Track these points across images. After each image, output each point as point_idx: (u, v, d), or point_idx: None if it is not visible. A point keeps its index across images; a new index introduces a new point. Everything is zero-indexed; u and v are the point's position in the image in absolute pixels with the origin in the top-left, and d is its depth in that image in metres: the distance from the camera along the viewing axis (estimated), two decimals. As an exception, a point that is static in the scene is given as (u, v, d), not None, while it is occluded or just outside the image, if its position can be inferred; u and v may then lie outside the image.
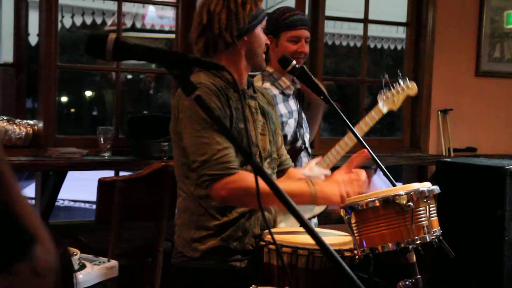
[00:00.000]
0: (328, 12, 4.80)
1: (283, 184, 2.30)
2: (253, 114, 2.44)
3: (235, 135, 2.27)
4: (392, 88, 3.27)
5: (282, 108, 3.13)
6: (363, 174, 2.28)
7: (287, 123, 3.13)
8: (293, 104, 3.19)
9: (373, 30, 9.76)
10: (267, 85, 3.15)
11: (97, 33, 1.31)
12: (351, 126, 2.49)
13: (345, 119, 2.50)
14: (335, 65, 11.13)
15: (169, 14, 8.29)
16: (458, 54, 5.20)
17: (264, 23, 2.44)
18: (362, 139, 2.53)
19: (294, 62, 2.53)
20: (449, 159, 4.17)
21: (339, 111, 2.48)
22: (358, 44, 10.04)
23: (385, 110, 3.22)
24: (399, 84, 3.28)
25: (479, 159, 4.44)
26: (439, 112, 5.13)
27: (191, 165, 2.31)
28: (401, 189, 2.00)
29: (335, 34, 10.28)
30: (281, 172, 2.58)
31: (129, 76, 10.83)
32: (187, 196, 2.40)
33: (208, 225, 2.36)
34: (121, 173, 4.20)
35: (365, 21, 5.04)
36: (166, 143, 3.83)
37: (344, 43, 10.50)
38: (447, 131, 5.11)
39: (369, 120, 3.20)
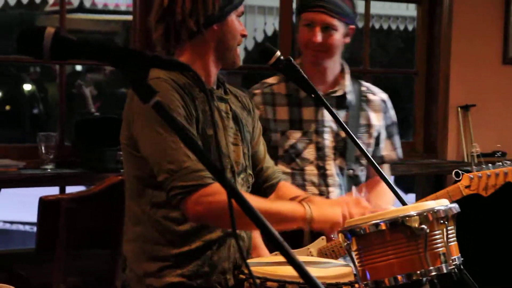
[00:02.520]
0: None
1: (270, 204, 2.31)
2: (223, 120, 2.43)
3: (201, 145, 2.27)
4: (489, 166, 3.00)
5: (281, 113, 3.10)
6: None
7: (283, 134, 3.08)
8: (308, 112, 3.10)
9: (378, 7, 9.80)
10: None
11: (31, 27, 1.28)
12: (347, 129, 2.50)
13: (341, 121, 2.51)
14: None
15: (126, -10, 8.30)
16: (481, 38, 5.24)
17: (241, 9, 2.44)
18: (362, 146, 2.55)
19: (278, 53, 2.52)
20: (462, 171, 4.19)
21: (334, 112, 2.49)
22: (360, 25, 10.06)
23: (467, 192, 2.98)
24: (499, 165, 3.00)
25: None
26: (459, 109, 5.17)
27: (146, 178, 2.30)
28: (412, 208, 2.01)
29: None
30: (269, 189, 2.58)
31: (78, 68, 10.80)
32: (138, 220, 2.39)
33: (164, 255, 2.35)
34: (68, 190, 4.18)
35: (367, -2, 5.07)
36: (123, 152, 3.83)
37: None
38: (469, 132, 5.15)
39: (442, 199, 3.07)
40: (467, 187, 2.96)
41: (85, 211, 3.27)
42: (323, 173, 3.05)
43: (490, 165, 2.99)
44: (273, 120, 3.05)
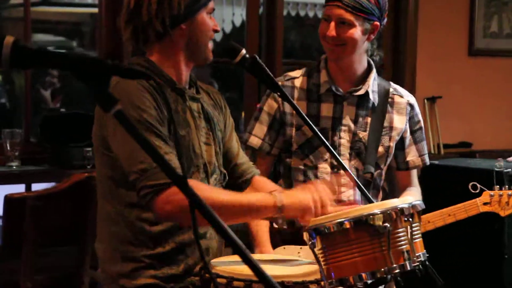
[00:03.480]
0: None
1: (240, 196, 2.32)
2: (195, 119, 2.44)
3: (172, 146, 2.28)
4: (507, 187, 3.01)
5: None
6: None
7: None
8: (326, 108, 3.00)
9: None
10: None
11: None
12: (316, 131, 2.51)
13: (309, 121, 2.52)
14: (301, 40, 11.18)
15: (91, -18, 8.24)
16: (447, 30, 5.28)
17: (211, 5, 2.44)
18: (328, 144, 2.57)
19: (243, 51, 2.52)
20: (436, 161, 4.23)
21: (301, 112, 2.51)
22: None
23: (484, 209, 2.99)
24: None
25: (473, 160, 4.51)
26: (425, 101, 5.20)
27: (119, 179, 2.30)
28: (376, 207, 2.03)
29: (299, 3, 10.34)
30: (244, 184, 2.59)
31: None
32: (111, 220, 2.39)
33: (137, 255, 2.35)
34: (34, 187, 4.16)
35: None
36: (90, 148, 3.81)
37: (311, 14, 10.56)
38: (436, 124, 5.20)
39: (457, 213, 3.00)
40: (486, 203, 2.96)
41: (51, 208, 3.26)
42: (336, 172, 2.97)
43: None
44: (290, 114, 2.96)
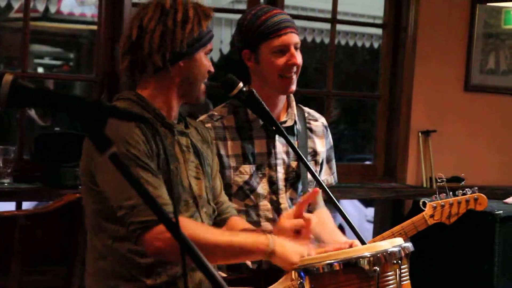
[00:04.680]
0: (288, 1, 4.81)
1: (233, 237, 2.31)
2: (184, 153, 2.44)
3: (161, 181, 2.28)
4: (450, 195, 3.08)
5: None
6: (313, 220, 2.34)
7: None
8: (260, 145, 2.94)
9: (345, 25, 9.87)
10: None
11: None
12: (305, 160, 2.53)
13: (299, 152, 2.54)
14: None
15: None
16: (444, 64, 5.29)
17: (209, 46, 2.45)
18: (317, 176, 2.58)
19: (240, 84, 2.54)
20: (427, 199, 4.24)
21: (292, 143, 2.52)
22: (326, 41, 10.13)
23: (431, 221, 3.03)
24: (462, 193, 3.07)
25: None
26: (420, 134, 5.21)
27: (106, 213, 2.30)
28: (366, 249, 2.04)
29: (299, 27, 10.33)
30: (221, 222, 2.60)
31: (40, 70, 10.69)
32: (99, 255, 2.39)
33: None
34: (24, 205, 4.15)
35: (333, 20, 5.10)
36: (82, 169, 3.81)
37: (309, 39, 10.58)
38: (429, 157, 5.20)
39: (408, 230, 3.00)
40: (431, 216, 3.01)
41: (41, 228, 3.24)
42: (277, 207, 2.91)
43: (451, 193, 3.05)
44: (226, 156, 2.87)
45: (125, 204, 2.22)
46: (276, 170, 2.93)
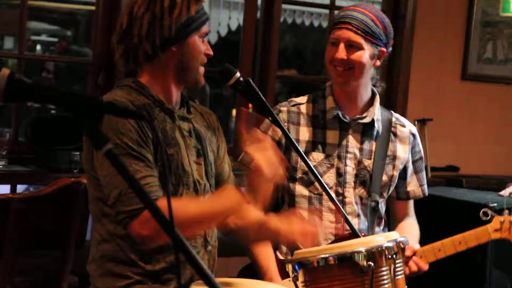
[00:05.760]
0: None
1: (204, 205, 2.35)
2: (185, 138, 2.44)
3: (155, 166, 2.28)
4: None
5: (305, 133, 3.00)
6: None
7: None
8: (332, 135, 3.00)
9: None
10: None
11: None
12: (303, 155, 2.51)
13: (293, 140, 2.52)
14: (295, 41, 11.17)
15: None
16: (441, 53, 5.28)
17: (204, 30, 2.44)
18: (313, 168, 2.58)
19: (237, 74, 2.52)
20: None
21: (291, 138, 2.51)
22: (324, 24, 10.12)
23: (495, 236, 2.95)
24: None
25: (459, 190, 4.50)
26: (416, 122, 5.20)
27: (108, 200, 2.31)
28: (361, 244, 2.03)
29: (296, 10, 10.34)
30: None
31: (38, 47, 10.65)
32: (103, 240, 2.41)
33: (128, 273, 2.37)
34: (19, 187, 4.13)
35: (332, 7, 5.08)
36: (78, 153, 3.79)
37: (307, 22, 10.56)
38: (425, 146, 5.19)
39: (469, 240, 2.93)
40: (497, 230, 2.93)
41: (35, 212, 3.24)
42: (341, 200, 2.92)
43: None
44: (295, 140, 2.89)
45: (114, 193, 2.25)
46: (345, 163, 2.96)
